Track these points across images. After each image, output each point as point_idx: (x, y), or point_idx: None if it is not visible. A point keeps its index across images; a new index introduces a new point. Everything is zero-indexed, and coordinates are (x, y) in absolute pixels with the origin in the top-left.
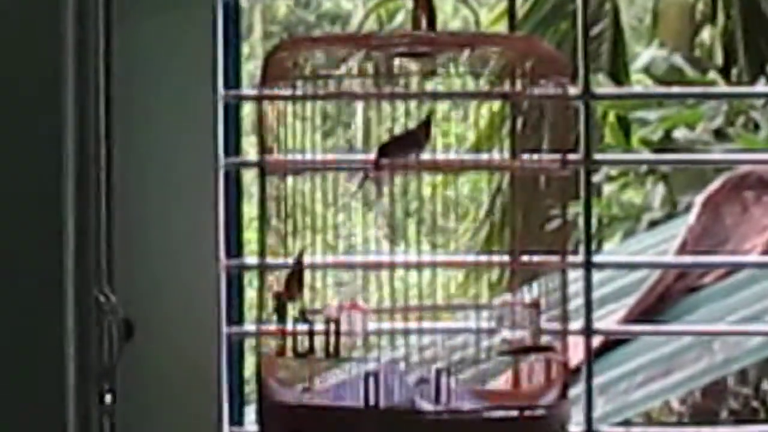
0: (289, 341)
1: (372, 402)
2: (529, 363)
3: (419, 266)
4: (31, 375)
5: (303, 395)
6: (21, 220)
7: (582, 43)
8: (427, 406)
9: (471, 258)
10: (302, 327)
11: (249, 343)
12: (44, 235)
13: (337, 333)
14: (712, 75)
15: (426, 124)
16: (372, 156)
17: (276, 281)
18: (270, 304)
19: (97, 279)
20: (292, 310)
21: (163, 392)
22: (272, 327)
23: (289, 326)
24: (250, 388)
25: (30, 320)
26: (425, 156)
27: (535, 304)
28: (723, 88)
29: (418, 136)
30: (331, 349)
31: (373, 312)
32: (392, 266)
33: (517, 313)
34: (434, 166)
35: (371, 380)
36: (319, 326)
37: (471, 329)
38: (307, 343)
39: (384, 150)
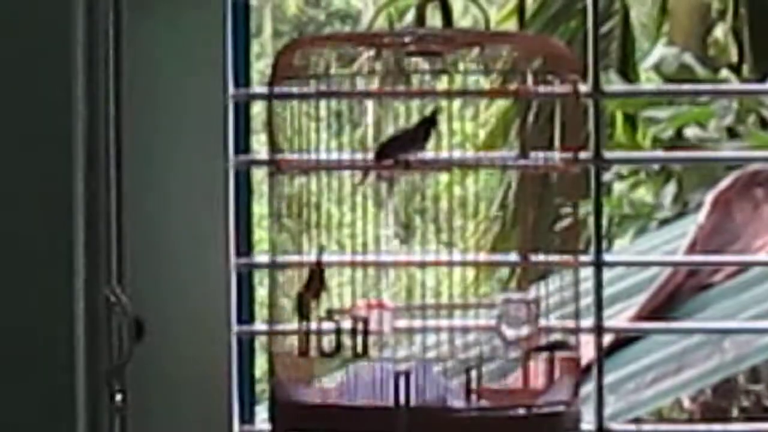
0: (314, 340)
1: (402, 400)
2: (538, 361)
3: (430, 265)
4: (41, 374)
5: (316, 394)
6: (31, 220)
7: (592, 41)
8: (458, 403)
9: (482, 257)
10: (324, 326)
11: (259, 342)
12: (54, 234)
13: (365, 332)
14: (723, 73)
15: (426, 122)
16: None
17: (287, 280)
18: (283, 302)
19: (107, 278)
20: (314, 309)
21: (174, 391)
22: (293, 326)
23: (305, 325)
24: (260, 387)
25: (40, 319)
26: (436, 155)
27: (536, 302)
28: (734, 85)
29: (417, 135)
30: (359, 347)
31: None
32: (403, 264)
33: (519, 311)
34: (445, 165)
35: (399, 379)
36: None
37: (491, 327)
38: (332, 342)
39: (383, 150)
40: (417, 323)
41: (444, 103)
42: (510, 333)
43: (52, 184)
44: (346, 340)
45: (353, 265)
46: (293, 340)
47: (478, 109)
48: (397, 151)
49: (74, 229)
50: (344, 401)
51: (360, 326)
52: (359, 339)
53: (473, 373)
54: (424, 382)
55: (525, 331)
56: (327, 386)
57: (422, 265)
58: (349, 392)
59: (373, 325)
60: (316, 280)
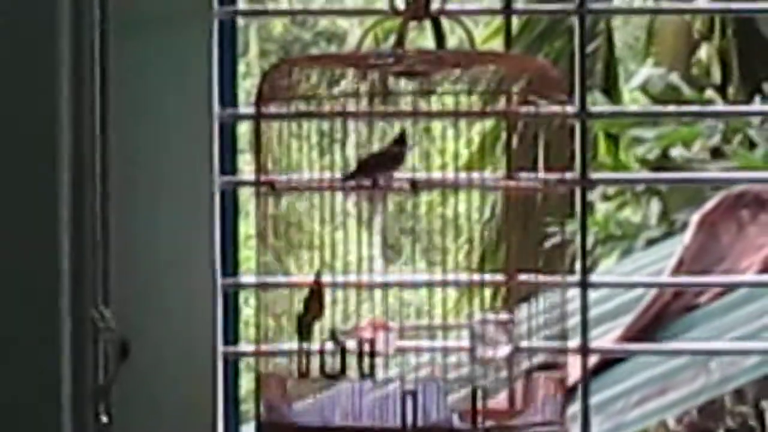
0: (314, 362)
1: (409, 421)
2: (526, 382)
3: (415, 285)
4: (27, 394)
5: (303, 414)
6: (17, 239)
7: (579, 61)
8: (463, 424)
9: (467, 277)
10: (317, 347)
11: (245, 362)
12: (40, 254)
13: (372, 353)
14: (709, 93)
15: (399, 142)
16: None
17: (273, 300)
18: (269, 323)
19: (92, 298)
20: (315, 330)
21: (159, 411)
22: (278, 346)
23: (306, 347)
24: (245, 407)
25: (26, 339)
26: (421, 175)
27: (512, 322)
28: (719, 106)
29: (392, 154)
30: (366, 369)
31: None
32: (388, 285)
33: (494, 332)
34: (430, 185)
35: (407, 399)
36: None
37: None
38: (335, 364)
39: (361, 169)
40: (407, 344)
41: (429, 123)
42: (485, 354)
43: (37, 204)
44: (333, 361)
45: (336, 285)
46: (280, 360)
47: (463, 129)
48: (373, 172)
49: (60, 249)
50: (333, 422)
51: (367, 347)
52: (366, 360)
53: (479, 394)
54: (429, 403)
55: (501, 351)
56: (313, 407)
57: (410, 285)
58: (351, 413)
59: (379, 346)
60: (315, 301)
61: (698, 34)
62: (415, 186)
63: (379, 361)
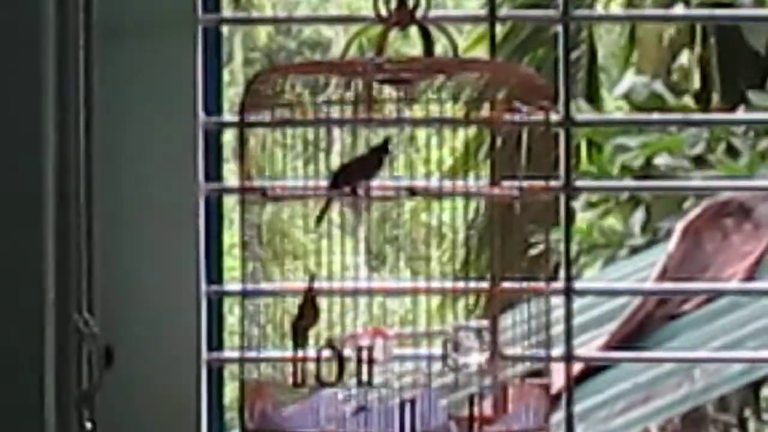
0: (308, 369)
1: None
2: (510, 388)
3: (399, 292)
4: (10, 401)
5: (288, 421)
6: (1, 247)
7: (563, 69)
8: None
9: (451, 284)
10: (310, 354)
11: (229, 370)
12: (24, 261)
13: (370, 361)
14: (692, 101)
15: (380, 149)
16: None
17: (258, 309)
18: (253, 330)
19: (77, 305)
20: (306, 337)
21: (143, 418)
22: (263, 354)
23: (280, 354)
24: (229, 415)
25: (10, 346)
26: (404, 182)
27: (490, 329)
28: (703, 115)
29: (371, 161)
30: (364, 376)
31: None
32: (372, 292)
33: (469, 339)
34: (413, 192)
35: (405, 407)
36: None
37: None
38: (331, 371)
39: (339, 176)
40: (401, 351)
41: (413, 130)
42: (460, 361)
43: (21, 211)
44: (324, 369)
45: (321, 292)
46: (265, 368)
47: (446, 136)
48: (351, 180)
49: (44, 256)
50: (325, 429)
51: (365, 355)
52: (364, 367)
53: (476, 401)
54: (427, 410)
55: (475, 358)
56: (303, 414)
57: (394, 292)
58: (345, 420)
59: (377, 354)
60: (308, 308)
61: (680, 42)
62: (414, 192)
63: (375, 368)
